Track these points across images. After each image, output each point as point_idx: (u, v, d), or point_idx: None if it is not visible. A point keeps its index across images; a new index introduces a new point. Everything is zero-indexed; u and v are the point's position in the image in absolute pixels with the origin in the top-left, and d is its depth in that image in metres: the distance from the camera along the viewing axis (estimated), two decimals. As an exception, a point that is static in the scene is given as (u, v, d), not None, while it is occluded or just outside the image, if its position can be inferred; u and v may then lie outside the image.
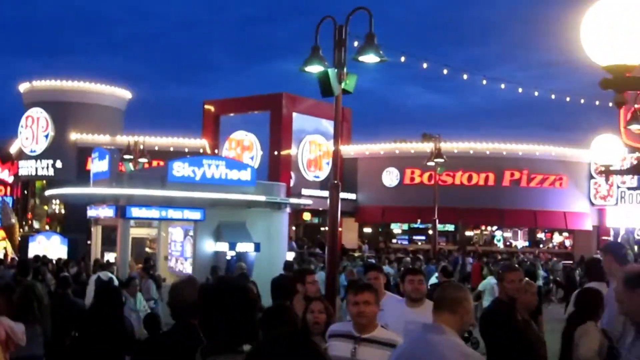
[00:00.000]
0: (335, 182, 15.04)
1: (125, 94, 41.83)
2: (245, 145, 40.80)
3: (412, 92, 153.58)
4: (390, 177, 40.30)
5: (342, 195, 43.93)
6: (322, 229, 42.28)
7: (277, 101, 39.58)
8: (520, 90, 30.96)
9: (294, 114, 39.98)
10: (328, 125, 42.39)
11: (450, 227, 42.14)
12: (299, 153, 40.25)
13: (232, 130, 41.34)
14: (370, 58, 14.55)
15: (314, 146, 41.28)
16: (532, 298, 6.65)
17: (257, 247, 20.50)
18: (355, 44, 15.11)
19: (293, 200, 25.23)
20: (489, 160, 38.82)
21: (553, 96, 30.16)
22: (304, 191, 36.83)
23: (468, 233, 43.00)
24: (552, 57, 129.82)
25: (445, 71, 28.00)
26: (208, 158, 22.72)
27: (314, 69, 14.58)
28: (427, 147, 37.40)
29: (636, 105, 11.68)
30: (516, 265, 7.00)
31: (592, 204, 39.18)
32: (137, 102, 45.43)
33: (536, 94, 30.95)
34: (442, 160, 30.03)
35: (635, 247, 31.98)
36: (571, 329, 6.39)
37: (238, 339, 3.32)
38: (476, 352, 3.82)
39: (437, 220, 30.61)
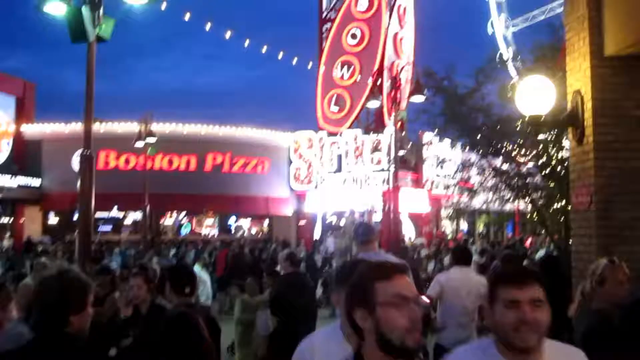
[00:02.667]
0: (88, 152, 11.92)
1: None
2: None
3: (76, 78, 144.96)
4: (80, 161, 36.02)
5: (24, 180, 38.68)
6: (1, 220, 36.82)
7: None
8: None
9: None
10: (6, 100, 37.06)
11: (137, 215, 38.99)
12: (-31, 132, 34.43)
13: None
14: (136, -7, 11.72)
15: (-12, 124, 35.67)
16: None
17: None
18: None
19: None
20: (191, 144, 36.58)
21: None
22: (-24, 177, 31.48)
23: (166, 222, 40.42)
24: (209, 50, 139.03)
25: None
26: None
27: (56, 8, 11.48)
28: (127, 127, 34.18)
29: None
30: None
31: (291, 189, 38.88)
32: None
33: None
34: (154, 139, 26.86)
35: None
36: None
37: None
38: None
39: (148, 207, 27.53)
